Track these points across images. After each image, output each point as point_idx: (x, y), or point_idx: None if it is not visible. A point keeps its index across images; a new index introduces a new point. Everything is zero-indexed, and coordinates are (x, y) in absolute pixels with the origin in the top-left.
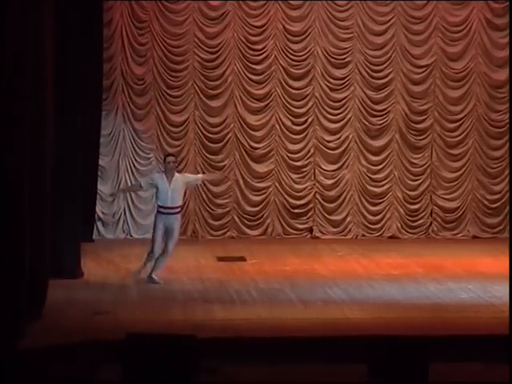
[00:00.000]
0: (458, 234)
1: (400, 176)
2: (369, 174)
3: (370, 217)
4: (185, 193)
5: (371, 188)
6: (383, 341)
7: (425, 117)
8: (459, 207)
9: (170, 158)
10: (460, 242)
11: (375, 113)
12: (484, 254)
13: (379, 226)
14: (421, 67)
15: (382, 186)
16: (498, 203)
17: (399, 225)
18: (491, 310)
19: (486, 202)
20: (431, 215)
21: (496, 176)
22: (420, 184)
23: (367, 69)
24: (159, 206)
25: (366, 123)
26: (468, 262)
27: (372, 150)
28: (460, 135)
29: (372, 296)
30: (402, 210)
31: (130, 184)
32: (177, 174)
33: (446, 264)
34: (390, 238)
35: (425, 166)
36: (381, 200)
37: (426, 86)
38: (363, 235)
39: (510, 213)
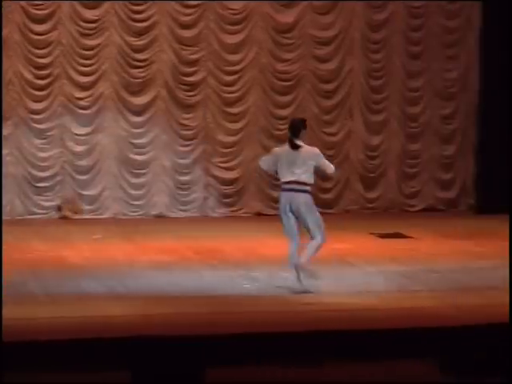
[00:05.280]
0: (238, 210)
1: (168, 141)
2: (130, 139)
3: (133, 191)
4: None
5: (133, 156)
6: (147, 342)
7: (196, 68)
8: (240, 178)
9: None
10: (240, 219)
11: (136, 63)
12: (270, 235)
13: (144, 202)
14: (191, 7)
15: (147, 153)
16: None
17: (168, 200)
18: (280, 302)
19: None
20: (207, 188)
21: (284, 139)
22: (193, 150)
23: (125, 9)
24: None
25: (126, 76)
26: (251, 243)
27: (133, 108)
28: (239, 90)
29: (136, 288)
30: (171, 183)
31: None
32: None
33: (224, 247)
34: (158, 216)
35: (198, 128)
36: (145, 170)
37: (198, 29)
38: (124, 214)
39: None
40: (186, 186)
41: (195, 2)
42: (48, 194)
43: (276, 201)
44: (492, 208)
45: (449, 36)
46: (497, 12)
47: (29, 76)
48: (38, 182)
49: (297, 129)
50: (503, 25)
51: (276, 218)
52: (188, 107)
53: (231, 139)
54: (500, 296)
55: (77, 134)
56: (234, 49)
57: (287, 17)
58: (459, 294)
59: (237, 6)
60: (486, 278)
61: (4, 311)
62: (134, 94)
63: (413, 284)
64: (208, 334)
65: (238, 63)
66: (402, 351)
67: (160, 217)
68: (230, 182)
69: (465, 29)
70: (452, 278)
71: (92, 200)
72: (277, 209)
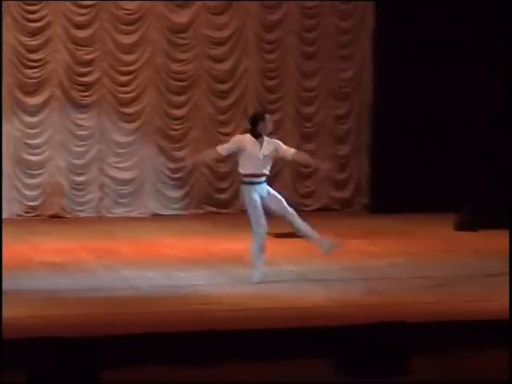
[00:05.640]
0: (134, 210)
1: (63, 141)
2: (25, 139)
3: (28, 192)
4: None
5: (28, 156)
6: (42, 343)
7: (91, 68)
8: (135, 178)
9: (268, 116)
10: (136, 219)
11: (31, 63)
12: (166, 234)
13: (39, 203)
14: (85, 7)
15: (42, 153)
16: (181, 173)
17: (65, 201)
18: (177, 301)
19: (168, 172)
20: (103, 188)
21: (179, 139)
22: (88, 150)
23: (19, 9)
24: (248, 175)
25: (20, 76)
26: (147, 244)
27: (28, 109)
28: (134, 90)
29: (30, 288)
30: (66, 183)
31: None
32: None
33: (120, 248)
34: (53, 217)
35: (93, 129)
36: (40, 171)
37: (93, 30)
38: (19, 215)
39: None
40: (82, 187)
41: (90, 2)
42: None
43: (172, 201)
44: (385, 207)
45: (343, 36)
46: (390, 11)
47: None
48: None
49: None
50: (396, 24)
51: (172, 217)
52: (83, 107)
53: (127, 139)
54: (395, 295)
55: None
56: (129, 49)
57: (182, 17)
58: (355, 293)
59: (131, 6)
60: (380, 276)
61: None
62: (29, 94)
63: (308, 283)
64: (105, 334)
65: (132, 63)
66: (298, 350)
67: (55, 217)
68: (126, 183)
69: (358, 29)
70: (347, 276)
71: None
72: (173, 209)
